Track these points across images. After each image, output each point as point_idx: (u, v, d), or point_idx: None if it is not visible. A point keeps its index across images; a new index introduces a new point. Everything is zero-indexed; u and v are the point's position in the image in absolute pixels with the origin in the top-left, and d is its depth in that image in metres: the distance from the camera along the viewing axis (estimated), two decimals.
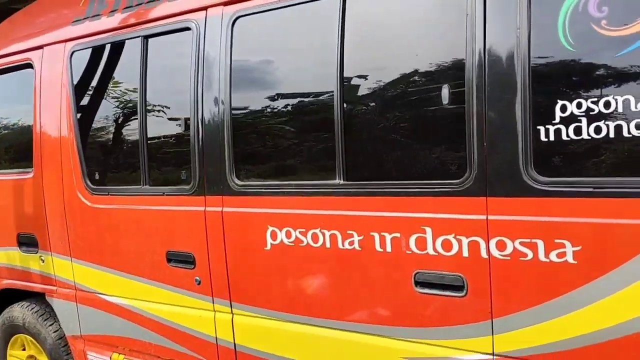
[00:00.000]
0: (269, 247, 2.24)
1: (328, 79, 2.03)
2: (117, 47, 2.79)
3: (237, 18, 2.29)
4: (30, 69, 3.11)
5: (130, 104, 2.74)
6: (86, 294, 2.98)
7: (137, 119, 2.64)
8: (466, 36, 1.77)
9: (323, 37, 2.08)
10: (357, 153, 2.05)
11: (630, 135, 1.53)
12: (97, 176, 2.84)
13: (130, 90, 2.73)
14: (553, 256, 1.66)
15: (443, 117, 1.88)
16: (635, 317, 1.56)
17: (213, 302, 2.47)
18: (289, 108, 2.26)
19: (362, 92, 2.05)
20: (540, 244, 1.68)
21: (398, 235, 1.92)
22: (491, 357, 1.81)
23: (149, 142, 2.62)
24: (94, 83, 2.88)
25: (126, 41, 2.71)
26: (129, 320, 2.80)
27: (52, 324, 3.29)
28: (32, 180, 3.11)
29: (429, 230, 1.86)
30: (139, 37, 2.60)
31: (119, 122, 2.85)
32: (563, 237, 1.64)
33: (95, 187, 2.82)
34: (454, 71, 1.83)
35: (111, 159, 2.99)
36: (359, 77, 2.04)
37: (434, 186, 1.85)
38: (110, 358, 2.95)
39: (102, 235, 2.85)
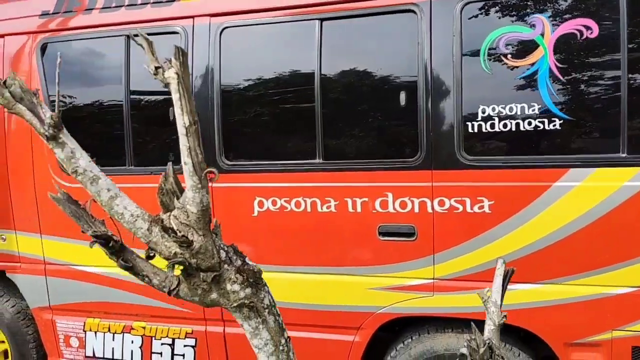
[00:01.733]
0: (256, 214, 2.81)
1: (310, 80, 2.66)
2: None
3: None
4: None
5: (113, 97, 3.07)
6: (57, 267, 3.24)
7: (120, 107, 3.00)
8: (418, 58, 2.53)
9: (306, 49, 2.69)
10: (333, 138, 2.71)
11: (524, 129, 2.42)
12: None
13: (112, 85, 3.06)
14: (476, 208, 2.51)
15: (401, 113, 2.62)
16: (525, 246, 2.46)
17: None
18: (276, 102, 2.83)
19: (337, 92, 2.72)
20: (468, 201, 2.51)
21: (366, 199, 2.63)
22: (432, 280, 2.62)
23: (132, 128, 3.00)
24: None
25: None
26: (108, 286, 3.14)
27: (8, 300, 3.46)
28: None
29: (390, 194, 2.60)
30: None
31: (96, 109, 3.15)
32: (482, 195, 2.49)
33: None
34: (409, 81, 2.58)
35: (90, 141, 3.25)
36: (336, 81, 2.70)
37: (395, 163, 2.60)
38: (85, 323, 3.26)
39: None
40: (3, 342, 3.48)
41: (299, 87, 2.77)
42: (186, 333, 3.08)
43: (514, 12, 2.47)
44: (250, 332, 1.35)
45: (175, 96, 1.22)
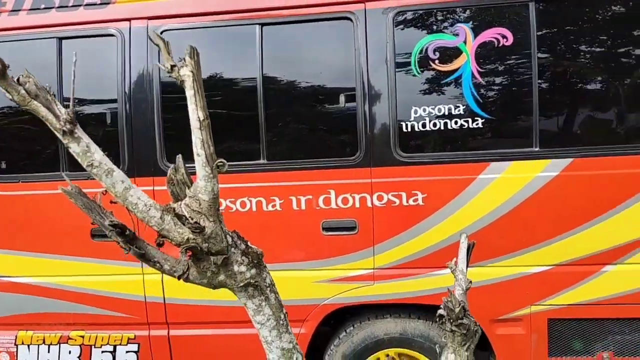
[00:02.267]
0: None
1: (253, 83, 2.76)
2: None
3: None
4: None
5: None
6: None
7: None
8: (355, 63, 2.71)
9: (248, 53, 2.78)
10: (277, 139, 2.82)
11: (451, 128, 2.67)
12: (3, 165, 2.99)
13: None
14: (411, 201, 2.72)
15: (341, 115, 2.78)
16: (455, 233, 2.71)
17: (142, 267, 2.94)
18: (218, 105, 2.89)
19: (280, 95, 2.83)
20: (404, 195, 2.72)
21: (310, 197, 2.77)
22: (372, 270, 2.81)
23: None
24: None
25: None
26: (42, 296, 3.03)
27: None
28: None
29: (332, 192, 2.76)
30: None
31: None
32: (416, 189, 2.71)
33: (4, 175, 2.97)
34: (347, 85, 2.75)
35: (23, 148, 3.12)
36: (278, 84, 2.82)
37: (336, 162, 2.76)
38: (16, 337, 3.12)
39: (11, 221, 3.01)
40: None
41: (241, 90, 2.85)
42: (128, 339, 3.05)
43: (440, 22, 2.71)
44: (253, 309, 1.44)
45: (189, 92, 1.31)
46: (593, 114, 2.76)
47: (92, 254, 2.97)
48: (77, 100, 2.96)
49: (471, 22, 2.68)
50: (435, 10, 2.72)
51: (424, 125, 2.69)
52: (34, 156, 3.09)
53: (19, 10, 2.94)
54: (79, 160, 1.31)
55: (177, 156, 1.43)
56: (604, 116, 2.78)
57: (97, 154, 1.29)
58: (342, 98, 2.74)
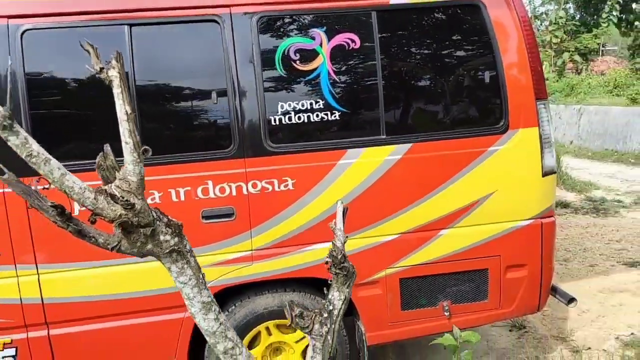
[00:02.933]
0: (76, 212, 2.89)
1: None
2: None
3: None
4: None
5: None
6: None
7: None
8: (224, 62, 2.95)
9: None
10: (153, 135, 2.95)
11: (313, 120, 3.04)
12: None
13: None
14: (282, 187, 3.05)
15: (214, 110, 3.01)
16: (321, 212, 3.09)
17: (15, 269, 2.90)
18: (90, 105, 2.93)
19: (155, 94, 2.97)
20: (276, 182, 3.04)
21: (189, 188, 2.96)
22: (250, 252, 3.09)
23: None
24: None
25: None
26: None
27: None
28: None
29: (210, 182, 2.98)
30: None
31: None
32: (286, 175, 3.04)
33: None
34: (219, 83, 2.98)
35: None
36: (152, 84, 2.95)
37: (212, 154, 2.98)
38: None
39: None
40: None
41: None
42: (4, 344, 2.97)
43: (299, 26, 3.07)
44: (177, 272, 1.64)
45: (117, 91, 1.47)
46: (425, 106, 3.33)
47: None
48: None
49: (325, 28, 3.07)
50: (293, 16, 3.07)
51: (289, 119, 3.04)
52: None
53: None
54: (18, 151, 1.40)
55: (105, 145, 1.58)
56: (434, 108, 3.37)
57: (35, 145, 1.40)
58: (214, 95, 2.97)
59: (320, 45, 3.06)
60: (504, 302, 3.42)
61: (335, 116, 3.09)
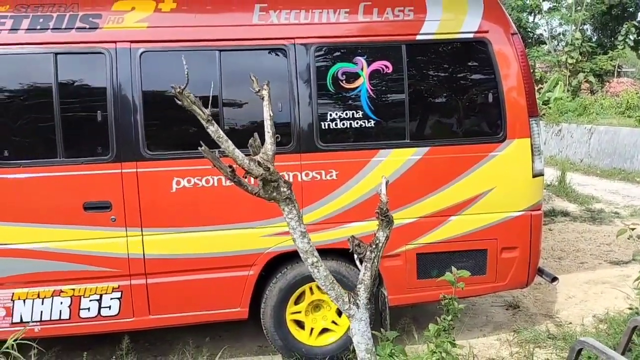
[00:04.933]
0: (174, 189, 3.83)
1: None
2: None
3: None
4: None
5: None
6: None
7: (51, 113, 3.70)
8: (289, 83, 3.89)
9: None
10: (235, 130, 3.89)
11: (354, 126, 3.96)
12: (5, 153, 3.70)
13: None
14: (328, 177, 3.97)
15: (280, 116, 3.94)
16: (357, 197, 4.00)
17: (126, 231, 3.84)
18: None
19: (237, 101, 3.92)
20: (323, 172, 3.96)
21: None
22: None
23: (64, 120, 3.71)
24: None
25: None
26: (39, 258, 3.78)
27: None
28: None
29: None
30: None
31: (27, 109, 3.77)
32: (332, 168, 3.96)
33: (2, 161, 3.68)
34: (284, 95, 3.91)
35: (20, 139, 3.81)
36: (233, 93, 3.90)
37: (277, 150, 3.90)
38: (13, 294, 3.81)
39: (10, 198, 3.71)
40: None
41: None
42: (113, 288, 3.91)
43: (345, 54, 4.00)
44: (287, 210, 2.52)
45: (265, 102, 2.41)
46: (441, 118, 4.25)
47: (85, 223, 3.80)
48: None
49: (366, 56, 4.00)
50: (341, 47, 4.01)
51: (336, 124, 3.97)
52: (33, 145, 3.82)
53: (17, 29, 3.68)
54: (212, 135, 2.32)
55: (254, 135, 2.50)
56: (448, 120, 4.28)
57: (220, 131, 2.33)
58: (280, 104, 3.90)
59: (362, 69, 3.99)
60: (499, 277, 4.29)
61: (370, 124, 4.01)
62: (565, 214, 8.47)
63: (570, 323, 4.74)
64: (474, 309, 5.12)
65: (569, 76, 23.32)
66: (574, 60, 22.98)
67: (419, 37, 4.07)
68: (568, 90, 22.39)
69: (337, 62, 4.00)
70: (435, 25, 4.10)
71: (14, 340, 3.41)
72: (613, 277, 5.76)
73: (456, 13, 4.15)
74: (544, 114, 19.65)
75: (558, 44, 27.89)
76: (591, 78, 23.08)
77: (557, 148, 17.39)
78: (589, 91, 23.94)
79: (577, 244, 6.98)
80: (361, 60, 4.00)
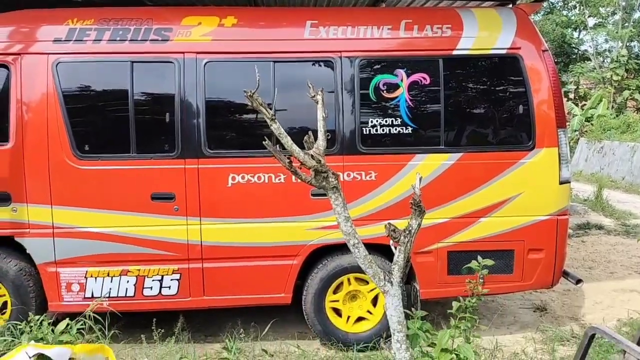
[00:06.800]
0: (229, 184, 4.30)
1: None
2: None
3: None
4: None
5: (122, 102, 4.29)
6: (64, 229, 4.28)
7: (126, 113, 4.24)
8: (334, 91, 4.33)
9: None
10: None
11: (393, 132, 4.36)
12: (86, 147, 4.25)
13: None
14: (367, 178, 4.36)
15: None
16: (395, 197, 4.38)
17: (187, 219, 4.33)
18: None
19: (288, 105, 4.38)
20: (363, 173, 4.36)
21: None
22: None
23: (137, 120, 4.25)
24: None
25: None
26: (109, 241, 4.30)
27: (10, 260, 4.37)
28: (10, 150, 4.19)
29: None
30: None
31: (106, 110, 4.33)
32: (371, 170, 4.36)
33: (83, 154, 4.23)
34: (330, 103, 4.35)
35: (99, 135, 4.38)
36: (285, 99, 4.36)
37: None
38: (86, 271, 4.34)
39: (88, 187, 4.26)
40: (3, 295, 4.36)
41: None
42: (173, 270, 4.39)
43: (387, 67, 4.41)
44: (334, 198, 2.93)
45: (319, 105, 2.83)
46: (474, 127, 4.59)
47: (151, 211, 4.30)
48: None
49: (405, 68, 4.40)
50: (383, 60, 4.42)
51: (376, 130, 4.37)
52: (110, 142, 4.37)
53: (100, 40, 4.24)
54: (275, 132, 2.77)
55: (309, 132, 2.93)
56: (480, 129, 4.61)
57: (281, 129, 2.77)
58: (326, 111, 4.32)
59: (401, 80, 4.39)
60: (525, 277, 4.57)
61: (408, 130, 4.39)
62: (599, 227, 8.59)
63: None
64: (503, 310, 5.40)
65: (613, 93, 23.06)
66: (619, 77, 22.74)
67: (455, 52, 4.44)
68: (612, 107, 22.14)
69: (379, 73, 4.41)
70: (471, 42, 4.46)
71: (89, 311, 3.93)
72: None
73: (491, 30, 4.51)
74: (586, 131, 19.53)
75: (603, 61, 27.55)
76: (637, 95, 22.76)
77: (599, 165, 17.28)
78: (635, 109, 23.58)
79: (608, 255, 7.13)
80: (401, 72, 4.40)
